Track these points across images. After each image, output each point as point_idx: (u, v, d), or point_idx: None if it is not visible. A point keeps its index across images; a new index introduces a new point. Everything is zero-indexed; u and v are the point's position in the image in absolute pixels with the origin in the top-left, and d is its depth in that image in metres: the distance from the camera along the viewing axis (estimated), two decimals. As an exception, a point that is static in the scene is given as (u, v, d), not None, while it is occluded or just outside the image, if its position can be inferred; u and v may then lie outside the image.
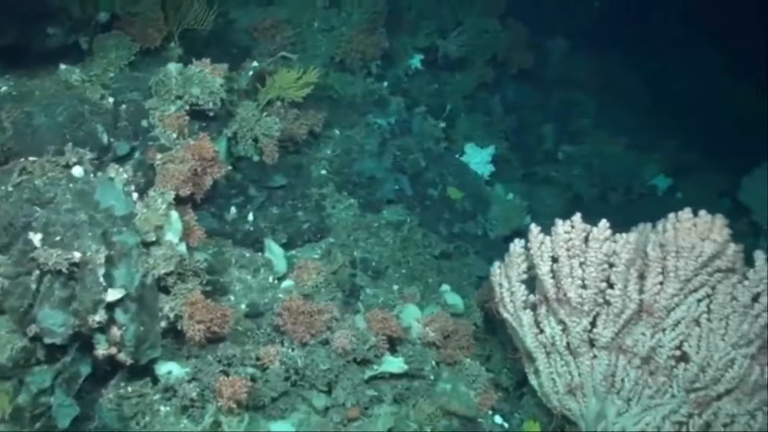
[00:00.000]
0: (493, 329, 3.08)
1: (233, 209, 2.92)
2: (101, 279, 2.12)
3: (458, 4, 4.63)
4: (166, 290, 2.39)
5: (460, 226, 3.67)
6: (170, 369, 2.38)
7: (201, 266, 2.44)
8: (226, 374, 2.38)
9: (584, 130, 4.98)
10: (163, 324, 2.35)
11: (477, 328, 3.05)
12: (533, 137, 4.74)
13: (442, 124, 3.93)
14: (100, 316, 2.12)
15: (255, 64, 3.10)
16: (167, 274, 2.34)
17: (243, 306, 2.67)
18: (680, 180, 4.97)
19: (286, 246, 3.05)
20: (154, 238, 2.32)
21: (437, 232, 3.60)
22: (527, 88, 4.88)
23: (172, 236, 2.36)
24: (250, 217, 2.98)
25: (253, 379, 2.45)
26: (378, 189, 3.48)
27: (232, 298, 2.69)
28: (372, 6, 3.91)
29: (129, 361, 2.25)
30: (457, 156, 3.99)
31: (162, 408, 2.39)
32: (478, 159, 3.97)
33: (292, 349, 2.55)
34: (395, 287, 3.16)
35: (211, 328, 2.36)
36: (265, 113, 3.07)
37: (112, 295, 2.13)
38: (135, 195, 2.34)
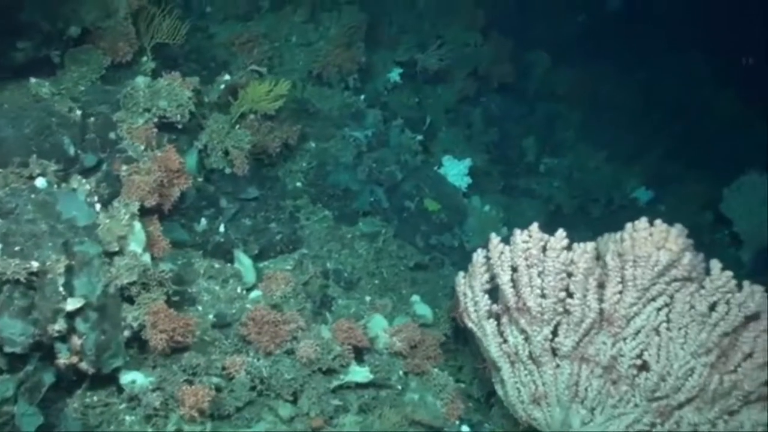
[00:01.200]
0: (465, 340, 3.10)
1: (203, 220, 2.95)
2: (61, 288, 2.14)
3: (439, 18, 4.67)
4: (130, 300, 2.41)
5: (436, 238, 3.69)
6: (134, 378, 2.40)
7: (166, 276, 2.46)
8: (191, 383, 2.40)
9: (566, 143, 5.00)
10: (126, 333, 2.37)
11: (447, 339, 3.07)
12: (515, 150, 4.76)
13: (420, 137, 3.96)
14: (59, 325, 2.15)
15: (227, 77, 3.14)
16: (131, 284, 2.36)
17: (210, 316, 2.69)
18: (662, 192, 4.99)
19: (258, 257, 3.08)
20: (117, 248, 2.35)
21: (413, 243, 3.62)
22: (510, 102, 4.91)
23: (135, 246, 2.39)
24: (221, 228, 3.01)
25: (218, 389, 2.48)
26: (353, 201, 3.50)
27: (200, 308, 2.72)
28: (350, 21, 3.95)
29: (91, 370, 2.27)
30: (435, 168, 4.01)
31: (127, 417, 2.42)
32: (456, 171, 3.99)
33: (258, 359, 2.58)
34: (367, 298, 3.18)
35: (174, 337, 2.39)
36: (238, 126, 3.10)
37: (72, 304, 2.16)
38: (98, 206, 2.37)
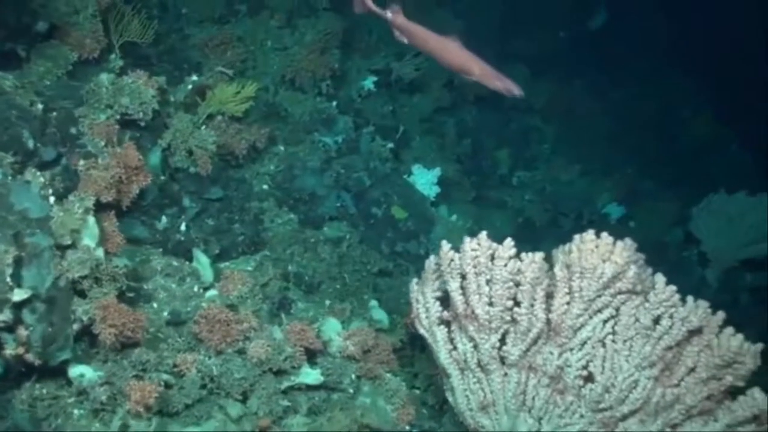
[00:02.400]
0: (422, 347, 3.12)
1: (165, 218, 2.97)
2: (8, 279, 2.16)
3: (419, 28, 4.70)
4: (82, 294, 2.43)
5: (402, 245, 3.72)
6: (83, 372, 2.41)
7: (120, 272, 2.48)
8: (141, 379, 2.42)
9: (541, 157, 5.05)
10: (76, 327, 2.39)
11: (404, 345, 3.10)
12: (488, 162, 4.80)
13: (390, 145, 3.99)
14: (5, 316, 2.16)
15: (194, 78, 3.17)
16: (83, 278, 2.38)
17: (165, 313, 2.71)
18: (633, 208, 5.04)
19: (220, 257, 3.10)
20: (69, 242, 2.36)
21: (379, 250, 3.64)
22: (485, 114, 4.96)
23: (88, 241, 2.41)
24: (183, 227, 3.03)
25: (167, 386, 2.49)
26: (319, 205, 3.53)
27: (155, 305, 2.73)
28: (326, 27, 3.99)
29: (37, 362, 2.29)
30: (404, 176, 4.05)
31: (75, 411, 2.43)
32: (425, 180, 4.03)
33: (209, 357, 2.59)
34: (327, 302, 3.20)
35: (124, 332, 2.40)
36: (204, 126, 3.13)
37: (19, 295, 2.17)
38: (52, 199, 2.39)
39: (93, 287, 2.41)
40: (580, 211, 4.82)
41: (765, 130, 5.88)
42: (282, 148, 3.64)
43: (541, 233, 4.43)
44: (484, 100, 4.96)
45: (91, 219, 2.41)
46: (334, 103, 3.95)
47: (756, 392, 2.38)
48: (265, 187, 3.49)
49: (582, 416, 2.54)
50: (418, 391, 3.11)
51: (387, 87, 4.45)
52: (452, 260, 2.46)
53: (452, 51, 3.06)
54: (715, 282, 4.71)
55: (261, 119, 3.57)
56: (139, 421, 2.38)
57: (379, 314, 3.05)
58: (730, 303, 4.74)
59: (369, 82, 4.21)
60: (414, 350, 3.15)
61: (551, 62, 5.64)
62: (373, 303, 3.14)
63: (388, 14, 3.11)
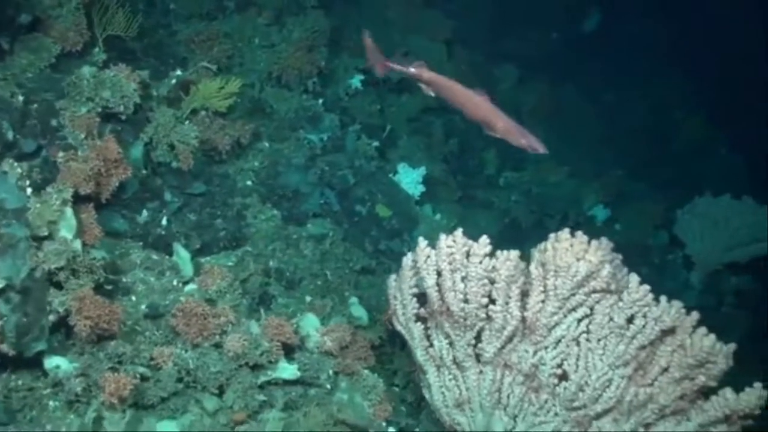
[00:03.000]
0: (402, 344, 3.13)
1: (145, 212, 2.98)
2: (-18, 269, 2.17)
3: (408, 27, 4.73)
4: (59, 286, 2.44)
5: (386, 243, 3.73)
6: (58, 363, 2.42)
7: (97, 264, 2.49)
8: (116, 371, 2.42)
9: (529, 158, 5.05)
10: (52, 318, 2.39)
11: (383, 342, 3.11)
12: (475, 162, 4.81)
13: (376, 143, 4.00)
14: (-21, 306, 2.17)
15: (178, 72, 3.17)
16: (59, 269, 2.39)
17: (143, 307, 2.71)
18: (620, 211, 5.05)
19: (201, 252, 3.11)
20: (46, 233, 2.37)
21: (362, 247, 3.65)
22: (474, 114, 4.95)
23: (66, 232, 2.41)
24: (164, 221, 3.04)
25: (143, 378, 2.50)
26: (303, 202, 3.54)
27: (133, 298, 2.74)
28: (313, 25, 4.00)
29: (11, 353, 2.29)
30: (389, 175, 4.05)
31: (51, 402, 2.43)
32: (410, 179, 4.04)
33: (186, 351, 2.60)
34: (308, 298, 3.21)
35: (100, 324, 2.41)
36: (188, 121, 3.14)
37: (-7, 285, 2.18)
38: (29, 190, 2.39)
39: (70, 279, 2.42)
40: (566, 212, 4.83)
41: (756, 134, 5.90)
42: (267, 144, 3.65)
43: (526, 234, 4.44)
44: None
45: (69, 210, 2.41)
46: (320, 101, 3.96)
47: (728, 392, 2.38)
48: (248, 183, 3.49)
49: (556, 414, 2.55)
50: (397, 389, 3.12)
51: (375, 86, 4.46)
52: (428, 257, 2.47)
53: (478, 104, 3.10)
54: (700, 285, 4.73)
55: (246, 115, 3.58)
56: (113, 413, 2.38)
57: (359, 311, 3.06)
58: (714, 306, 4.77)
59: (356, 81, 4.22)
60: (393, 347, 3.16)
61: (542, 63, 5.65)
62: (353, 300, 3.14)
63: (412, 69, 3.18)
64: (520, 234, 4.49)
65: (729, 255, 4.72)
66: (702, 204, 4.76)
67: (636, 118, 5.67)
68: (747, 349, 4.72)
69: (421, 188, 4.05)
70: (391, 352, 3.16)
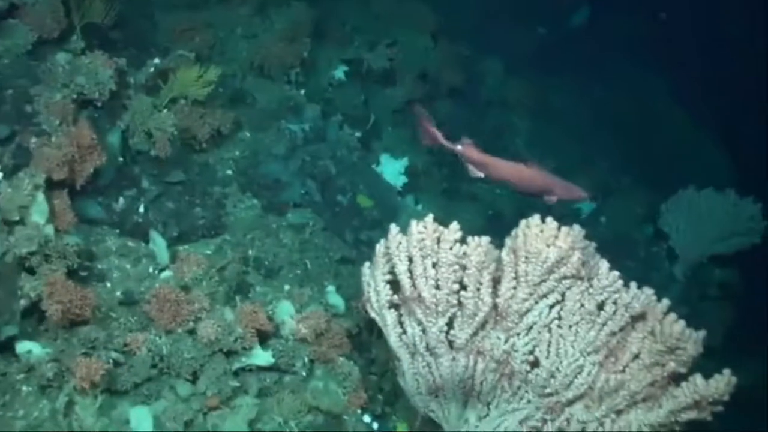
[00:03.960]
0: (380, 332, 3.13)
1: (122, 200, 2.98)
2: (-49, 252, 2.17)
3: (394, 20, 4.73)
4: (31, 271, 2.44)
5: (366, 234, 3.73)
6: (30, 348, 2.42)
7: (70, 249, 2.49)
8: (89, 357, 2.42)
9: (514, 151, 5.06)
10: (23, 303, 2.40)
11: (360, 330, 3.11)
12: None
13: (358, 134, 4.00)
14: (-52, 289, 2.17)
15: (156, 61, 3.18)
16: (31, 254, 2.39)
17: (118, 293, 2.72)
18: (605, 204, 5.06)
19: (179, 240, 3.11)
20: (17, 218, 2.37)
21: (343, 237, 3.65)
22: (459, 107, 4.96)
23: (38, 217, 2.42)
24: (141, 209, 3.04)
25: (117, 364, 2.51)
26: (283, 192, 3.54)
27: (108, 284, 2.74)
28: (296, 16, 4.00)
29: (-18, 337, 2.30)
30: (372, 166, 4.06)
31: (24, 387, 2.43)
32: (392, 170, 4.04)
33: (159, 337, 2.60)
34: (286, 287, 3.21)
35: (72, 309, 2.41)
36: (167, 109, 3.14)
37: (-38, 268, 2.19)
38: (1, 175, 2.40)
39: (42, 264, 2.42)
40: (550, 205, 4.82)
41: (742, 130, 5.92)
42: (248, 134, 3.65)
43: (510, 226, 4.42)
44: (458, 93, 4.98)
45: (41, 196, 2.42)
46: (302, 92, 3.96)
47: (698, 379, 2.39)
48: (229, 172, 3.49)
49: (529, 402, 2.56)
50: (374, 377, 3.12)
51: (360, 78, 4.46)
52: (400, 243, 2.48)
53: (533, 177, 3.18)
54: (683, 277, 4.73)
55: (227, 105, 3.58)
56: (84, 397, 2.39)
57: (336, 299, 3.06)
58: (698, 298, 4.77)
59: (340, 72, 4.23)
60: (371, 336, 3.16)
61: (530, 59, 5.66)
62: (330, 288, 3.14)
63: (459, 147, 3.20)
64: (503, 226, 4.46)
65: (712, 247, 4.72)
66: (685, 197, 4.76)
67: (621, 113, 5.67)
68: (731, 340, 4.76)
69: (404, 179, 4.05)
70: (368, 341, 3.16)
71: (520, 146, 5.12)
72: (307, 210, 3.62)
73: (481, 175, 3.24)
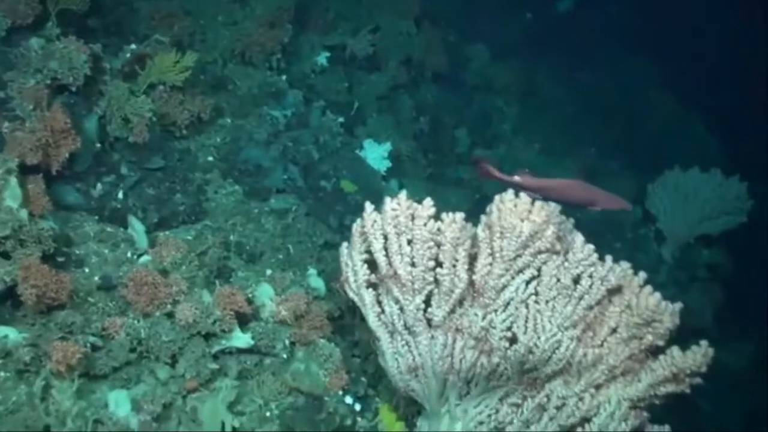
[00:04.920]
0: (363, 315, 3.12)
1: (100, 186, 2.97)
2: None
3: (377, 5, 4.72)
4: (6, 255, 2.44)
5: (351, 218, 3.72)
6: (6, 333, 2.41)
7: (45, 234, 2.49)
8: (66, 341, 2.42)
9: (502, 136, 5.06)
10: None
11: (343, 313, 3.10)
12: (447, 140, 4.81)
13: (341, 119, 3.99)
14: None
15: (133, 46, 3.17)
16: (5, 239, 2.39)
17: (96, 278, 2.71)
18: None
19: (159, 226, 3.11)
20: (-10, 203, 2.37)
21: (326, 223, 3.65)
22: (445, 92, 4.97)
23: (11, 202, 2.41)
24: (120, 195, 3.03)
25: (95, 348, 2.50)
26: (265, 177, 3.53)
27: (86, 270, 2.73)
28: (278, 2, 3.99)
29: (-43, 322, 2.30)
30: (356, 151, 4.05)
31: (1, 373, 2.43)
32: (376, 154, 4.04)
33: (138, 321, 2.60)
34: (268, 272, 3.20)
35: (47, 293, 2.41)
36: (144, 95, 3.13)
37: (-67, 252, 2.18)
38: (-28, 160, 2.39)
39: (17, 248, 2.41)
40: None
41: (731, 113, 5.92)
42: (229, 120, 3.64)
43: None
44: (443, 78, 4.97)
45: (14, 180, 2.41)
46: (284, 78, 3.95)
47: (675, 351, 2.40)
48: (210, 158, 3.49)
49: (509, 378, 2.56)
50: (357, 360, 3.12)
51: (343, 64, 4.45)
52: (375, 221, 2.47)
53: (579, 190, 3.61)
54: (671, 259, 4.73)
55: (208, 91, 3.57)
56: (61, 381, 2.38)
57: (317, 282, 3.06)
58: (687, 280, 4.77)
59: (322, 58, 4.22)
60: (354, 319, 3.15)
61: (516, 43, 5.65)
62: (312, 271, 3.14)
63: (516, 178, 3.48)
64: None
65: (700, 228, 4.72)
66: (672, 178, 4.76)
67: (608, 98, 5.67)
68: (721, 321, 4.76)
69: (387, 163, 4.05)
70: (351, 324, 3.16)
71: (508, 132, 5.11)
72: (290, 196, 3.61)
73: (540, 197, 3.50)
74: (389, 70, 4.63)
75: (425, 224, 2.37)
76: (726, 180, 4.65)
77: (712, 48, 6.01)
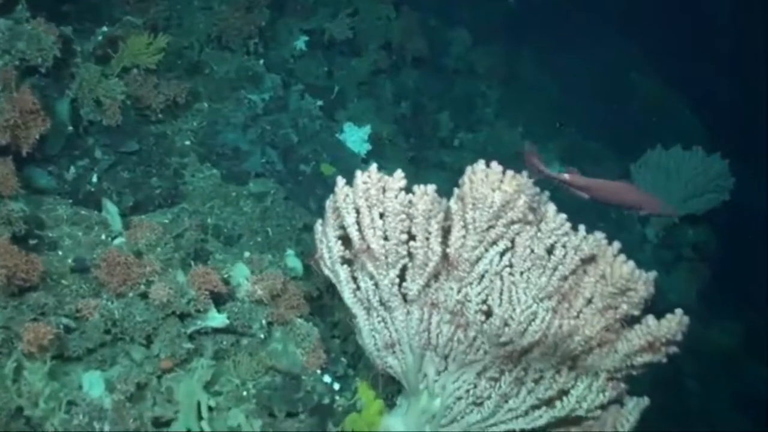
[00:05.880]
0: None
1: (73, 169, 2.95)
2: None
3: (357, -10, 4.71)
4: (-25, 238, 2.42)
5: (331, 202, 3.70)
6: (-22, 315, 2.40)
7: (15, 215, 2.47)
8: (38, 322, 2.40)
9: (484, 119, 5.05)
10: (-31, 271, 2.37)
11: (321, 293, 3.09)
12: (429, 124, 4.79)
13: (320, 102, 3.98)
14: None
15: (104, 29, 3.14)
16: (-27, 220, 2.37)
17: (69, 260, 2.69)
18: (576, 168, 5.03)
19: (135, 210, 3.09)
20: (-42, 183, 2.35)
21: (306, 206, 3.63)
22: (427, 77, 4.95)
23: (-22, 182, 2.39)
24: (94, 179, 3.01)
25: (68, 330, 2.48)
26: (243, 161, 3.51)
27: (60, 252, 2.72)
28: (254, -14, 3.97)
29: (-75, 304, 2.27)
30: (336, 135, 4.04)
31: (-25, 356, 2.41)
32: (355, 137, 4.02)
33: (111, 302, 2.58)
34: (246, 254, 3.19)
35: (17, 274, 2.39)
36: (118, 79, 3.11)
37: None
38: (-60, 140, 2.37)
39: (-14, 230, 2.40)
40: (520, 170, 4.80)
41: (715, 94, 5.92)
42: (206, 104, 3.62)
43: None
44: (425, 63, 4.96)
45: (-19, 160, 2.39)
46: (261, 62, 3.93)
47: (650, 319, 2.38)
48: (187, 143, 3.47)
49: (486, 352, 2.54)
50: (337, 340, 3.11)
51: (323, 49, 4.43)
52: (347, 195, 2.45)
53: (628, 193, 3.67)
54: (656, 239, 4.73)
55: (184, 75, 3.55)
56: (33, 362, 2.36)
57: (294, 262, 3.05)
58: (672, 259, 4.77)
59: (301, 42, 4.20)
60: (333, 299, 3.14)
61: (498, 27, 5.64)
62: (289, 252, 3.12)
63: (566, 176, 3.52)
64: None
65: (684, 206, 4.72)
66: (654, 157, 4.75)
67: (592, 79, 5.66)
68: (707, 300, 4.75)
69: (367, 146, 4.03)
70: (331, 305, 3.14)
71: (491, 115, 5.10)
72: (269, 179, 3.59)
73: (587, 197, 3.58)
74: (369, 55, 4.61)
75: (396, 197, 2.35)
76: (708, 158, 4.64)
77: (695, 27, 6.00)
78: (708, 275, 4.76)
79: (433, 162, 4.55)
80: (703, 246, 4.80)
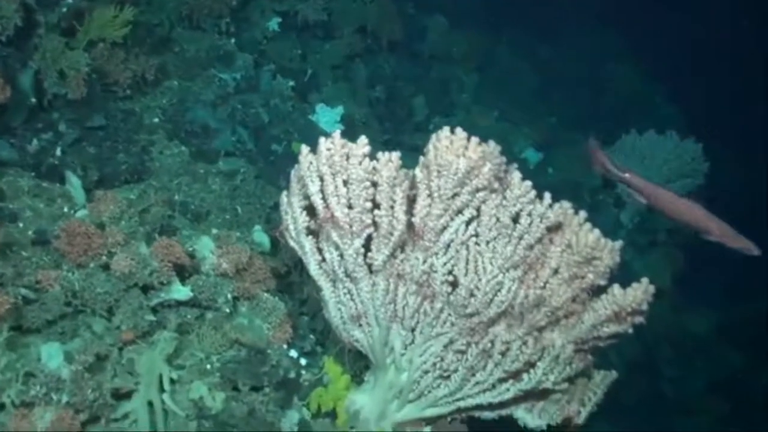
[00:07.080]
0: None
1: (36, 142, 2.90)
2: None
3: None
4: (-69, 206, 2.37)
5: (302, 181, 3.67)
6: (-66, 287, 2.35)
7: (-26, 185, 2.43)
8: (-4, 294, 2.35)
9: (460, 105, 5.03)
10: (-75, 240, 2.33)
11: (290, 270, 3.06)
12: (404, 108, 4.77)
13: (292, 83, 3.94)
14: None
15: (69, 0, 3.09)
16: (-70, 189, 2.32)
17: (30, 233, 2.65)
18: (553, 156, 5.04)
19: (100, 184, 3.04)
20: None
21: (278, 185, 3.59)
22: (402, 62, 4.93)
23: (-67, 149, 2.35)
24: (58, 152, 2.96)
25: (27, 301, 2.44)
26: (213, 139, 3.47)
27: (20, 224, 2.67)
28: (224, -35, 3.93)
29: None
30: (308, 116, 4.00)
31: (-69, 330, 2.36)
32: (328, 118, 3.99)
33: (72, 273, 2.53)
34: (214, 231, 3.15)
35: (-26, 243, 2.34)
36: (84, 52, 3.06)
37: None
38: None
39: (-58, 199, 2.35)
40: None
41: (693, 84, 5.93)
42: (175, 82, 3.59)
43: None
44: (401, 47, 4.94)
45: (-64, 127, 2.34)
46: (233, 41, 3.89)
47: (616, 289, 2.36)
48: (155, 120, 3.43)
49: (452, 324, 2.51)
50: (306, 317, 3.08)
51: (297, 31, 4.40)
52: (311, 163, 2.42)
53: (693, 212, 3.28)
54: (630, 223, 4.73)
55: (154, 53, 3.51)
56: (-11, 333, 2.32)
57: (261, 237, 3.01)
58: (647, 244, 4.77)
59: (274, 24, 4.16)
60: (302, 276, 3.11)
61: (476, 14, 5.62)
62: (257, 227, 3.09)
63: (626, 175, 3.38)
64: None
65: (658, 191, 4.70)
66: (628, 141, 4.75)
67: (570, 67, 5.66)
68: (682, 285, 4.75)
69: (340, 127, 4.00)
70: (299, 282, 3.11)
71: (467, 100, 5.08)
72: (240, 158, 3.56)
73: (644, 201, 3.38)
74: (344, 38, 4.58)
75: (360, 163, 2.32)
76: (682, 142, 4.65)
77: (675, 16, 6.02)
78: (682, 260, 4.77)
79: (408, 146, 4.52)
80: (678, 231, 4.79)
